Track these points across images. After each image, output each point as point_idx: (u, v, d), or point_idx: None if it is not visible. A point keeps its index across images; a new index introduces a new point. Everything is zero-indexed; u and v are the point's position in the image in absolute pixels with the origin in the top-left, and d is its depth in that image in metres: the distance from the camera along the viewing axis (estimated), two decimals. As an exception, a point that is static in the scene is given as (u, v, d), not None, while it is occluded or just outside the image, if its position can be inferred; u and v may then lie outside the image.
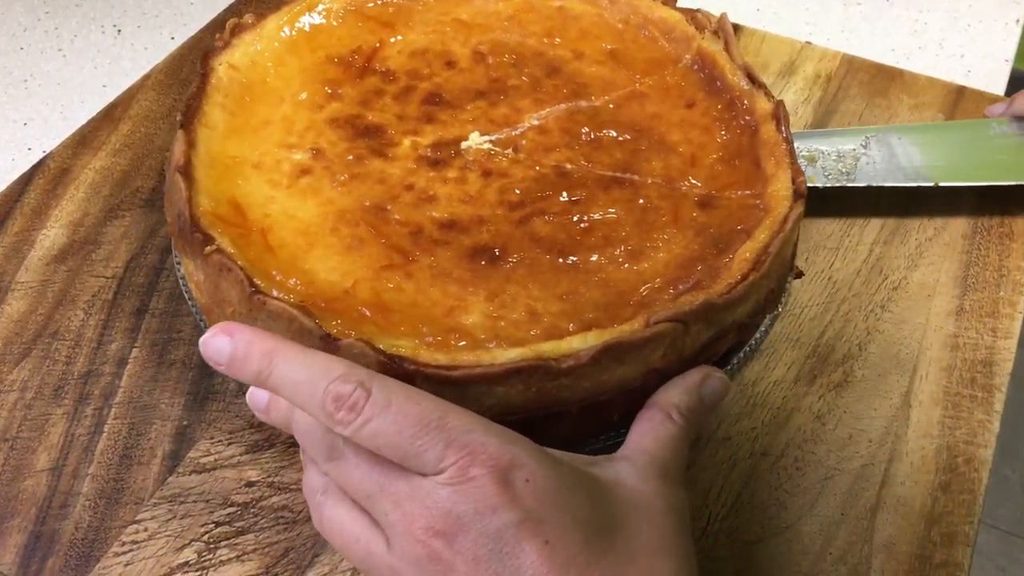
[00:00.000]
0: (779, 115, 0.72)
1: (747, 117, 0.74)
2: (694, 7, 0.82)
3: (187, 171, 0.66)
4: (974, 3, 1.14)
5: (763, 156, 0.71)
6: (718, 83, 0.77)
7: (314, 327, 0.56)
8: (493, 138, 0.75)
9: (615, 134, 0.76)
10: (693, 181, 0.72)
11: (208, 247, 0.61)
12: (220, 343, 0.53)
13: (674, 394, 0.59)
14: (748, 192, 0.70)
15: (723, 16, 0.79)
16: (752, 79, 0.76)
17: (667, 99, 0.79)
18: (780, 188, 0.68)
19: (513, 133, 0.76)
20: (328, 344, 0.56)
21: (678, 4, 0.83)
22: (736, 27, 1.03)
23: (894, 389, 0.73)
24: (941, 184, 0.82)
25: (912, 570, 0.64)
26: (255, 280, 0.59)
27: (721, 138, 0.75)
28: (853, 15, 1.13)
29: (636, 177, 0.72)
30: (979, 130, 0.88)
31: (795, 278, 0.74)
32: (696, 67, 0.79)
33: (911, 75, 0.99)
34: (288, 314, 0.57)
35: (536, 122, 0.77)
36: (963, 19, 1.12)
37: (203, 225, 0.63)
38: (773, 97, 0.74)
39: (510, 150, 0.74)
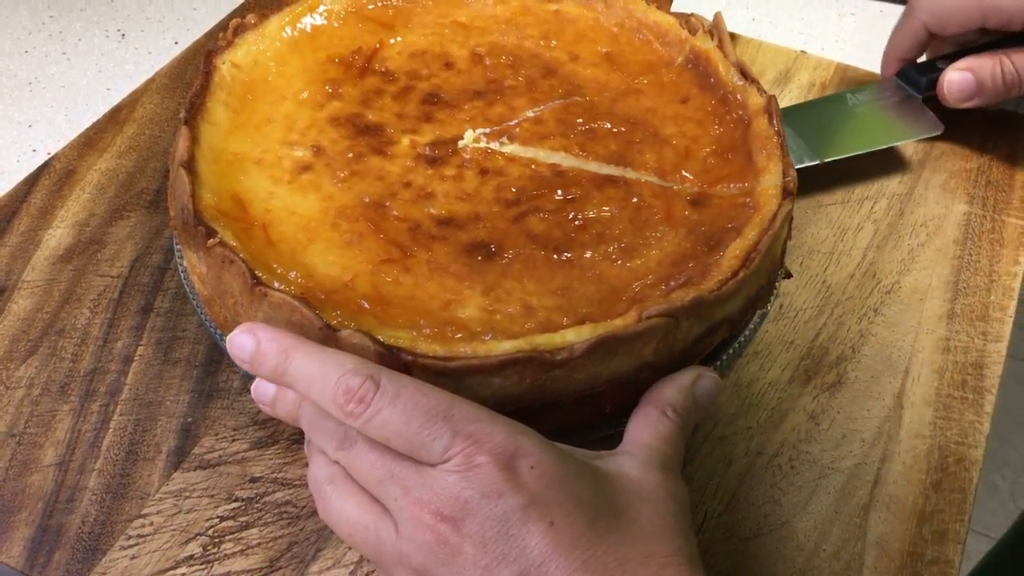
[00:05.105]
0: (771, 109, 0.73)
1: (740, 112, 0.75)
2: (688, 12, 0.83)
3: (190, 166, 0.67)
4: (968, 14, 1.15)
5: (755, 149, 0.72)
6: (711, 79, 0.79)
7: (314, 318, 0.57)
8: (488, 130, 0.76)
9: (610, 126, 0.77)
10: (686, 174, 0.73)
11: (211, 240, 0.62)
12: (244, 341, 0.56)
13: (669, 392, 0.60)
14: (741, 184, 0.71)
15: (717, 15, 0.81)
16: (745, 75, 0.77)
17: (662, 95, 0.80)
18: (771, 181, 0.69)
19: (508, 124, 0.77)
20: (328, 334, 0.57)
21: (672, 9, 0.84)
22: (732, 36, 1.04)
23: (887, 390, 0.74)
24: (826, 161, 0.87)
25: (904, 567, 0.64)
26: (257, 272, 0.60)
27: (715, 132, 0.76)
28: (847, 25, 1.14)
29: (630, 170, 0.73)
30: (837, 104, 0.94)
31: (784, 278, 0.74)
32: (690, 65, 0.81)
33: (904, 83, 1.00)
34: (289, 305, 0.57)
35: (531, 114, 0.78)
36: (957, 30, 1.13)
37: (206, 219, 0.64)
38: (765, 92, 0.75)
39: (504, 138, 0.75)
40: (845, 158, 0.88)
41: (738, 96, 0.76)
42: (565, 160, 0.74)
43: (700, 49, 0.80)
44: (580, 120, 0.77)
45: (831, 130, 0.91)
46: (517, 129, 0.76)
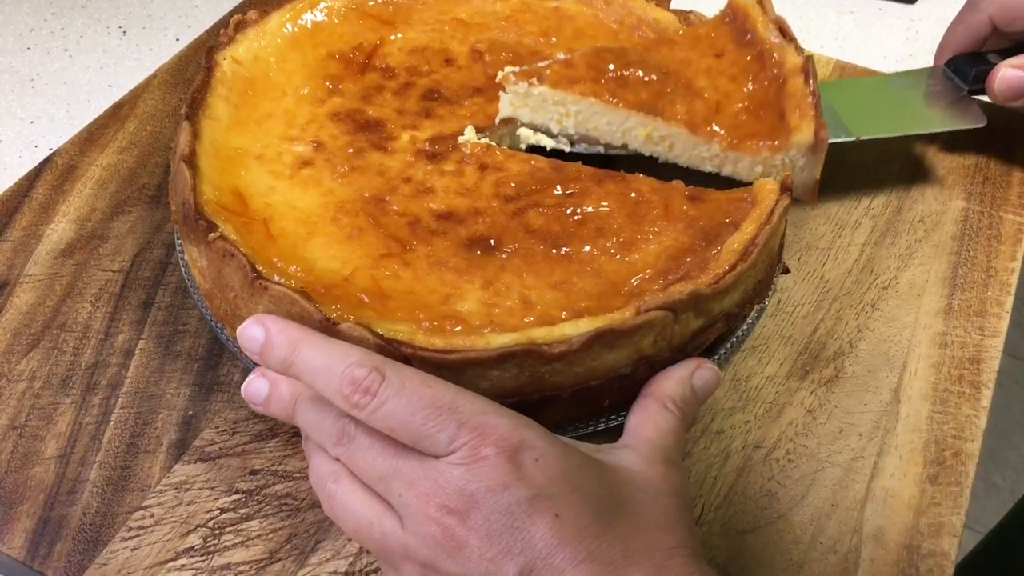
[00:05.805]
0: (808, 69, 0.72)
1: (775, 70, 0.74)
2: (687, 9, 0.84)
3: (192, 161, 0.67)
4: (966, 11, 1.15)
5: (788, 108, 0.71)
6: (748, 36, 0.77)
7: (314, 311, 0.57)
8: (517, 69, 0.76)
9: (641, 74, 0.76)
10: (716, 128, 0.73)
11: (212, 234, 0.62)
12: (254, 332, 0.56)
13: (668, 385, 0.61)
14: (771, 142, 0.70)
15: None
16: (783, 33, 0.76)
17: (696, 47, 0.78)
18: (802, 140, 0.69)
19: (539, 64, 0.76)
20: (328, 327, 0.57)
21: (671, 6, 0.85)
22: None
23: (884, 385, 0.74)
24: (862, 138, 0.84)
25: (900, 559, 0.65)
26: (257, 266, 0.61)
27: (748, 89, 0.75)
28: (846, 23, 1.14)
29: (659, 120, 0.73)
30: (880, 85, 0.92)
31: (782, 273, 0.75)
32: (728, 19, 0.80)
33: (903, 80, 1.00)
34: (289, 298, 0.58)
35: (562, 56, 0.77)
36: (955, 27, 1.13)
37: (207, 213, 0.64)
38: (803, 51, 0.74)
39: (535, 79, 0.75)
40: (881, 138, 0.86)
41: (775, 55, 0.75)
42: (594, 106, 0.74)
43: (739, 4, 0.79)
44: (612, 66, 0.76)
45: (870, 109, 0.88)
46: (548, 71, 0.75)
